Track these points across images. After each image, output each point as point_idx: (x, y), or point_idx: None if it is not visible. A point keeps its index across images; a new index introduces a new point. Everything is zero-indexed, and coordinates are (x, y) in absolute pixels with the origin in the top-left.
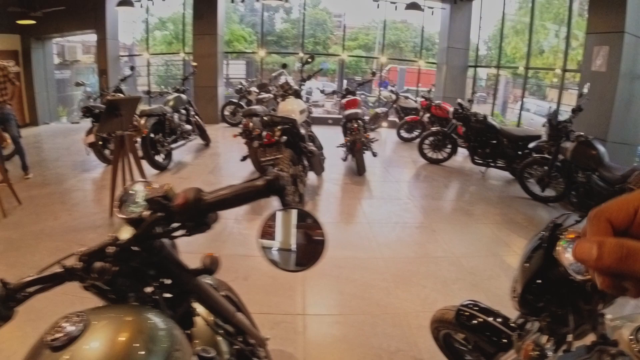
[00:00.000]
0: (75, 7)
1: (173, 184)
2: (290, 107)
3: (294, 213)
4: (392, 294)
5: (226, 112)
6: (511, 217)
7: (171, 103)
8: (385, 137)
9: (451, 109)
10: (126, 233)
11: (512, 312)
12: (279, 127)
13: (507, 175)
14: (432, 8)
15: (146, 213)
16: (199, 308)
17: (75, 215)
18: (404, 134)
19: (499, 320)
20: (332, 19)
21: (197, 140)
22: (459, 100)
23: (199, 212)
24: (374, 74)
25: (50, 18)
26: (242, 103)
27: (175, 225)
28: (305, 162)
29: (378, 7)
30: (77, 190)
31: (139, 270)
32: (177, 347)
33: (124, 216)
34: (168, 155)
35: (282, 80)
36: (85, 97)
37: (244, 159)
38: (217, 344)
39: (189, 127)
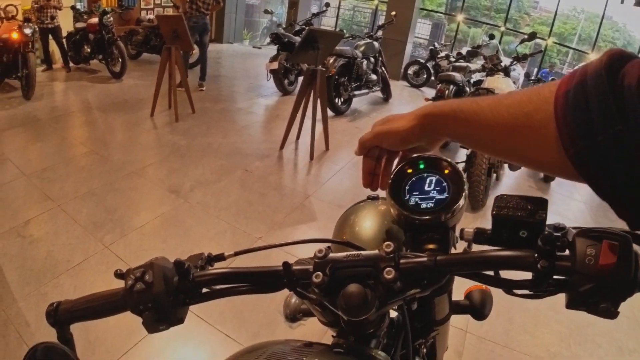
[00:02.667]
0: None
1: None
2: (499, 86)
3: None
4: (564, 342)
5: (409, 71)
6: None
7: (362, 48)
8: None
9: None
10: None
11: None
12: None
13: None
14: None
15: (468, 231)
16: None
17: (244, 139)
18: None
19: None
20: None
21: (377, 93)
22: None
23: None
24: None
25: None
26: (429, 65)
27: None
28: None
29: None
30: (250, 114)
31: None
32: None
33: (420, 217)
34: (347, 101)
35: (490, 52)
36: (275, 25)
37: None
38: None
39: (374, 77)
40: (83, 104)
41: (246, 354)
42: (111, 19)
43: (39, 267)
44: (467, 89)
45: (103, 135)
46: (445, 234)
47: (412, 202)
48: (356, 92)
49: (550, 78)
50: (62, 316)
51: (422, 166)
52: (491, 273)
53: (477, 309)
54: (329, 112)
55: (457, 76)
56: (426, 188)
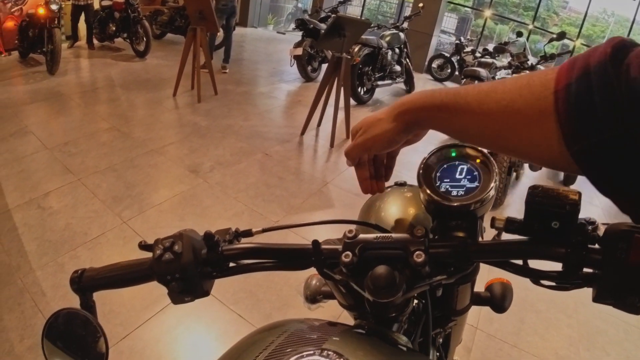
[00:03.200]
0: None
1: None
2: None
3: None
4: (572, 347)
5: (434, 65)
6: None
7: (388, 39)
8: None
9: None
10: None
11: None
12: None
13: None
14: None
15: (499, 219)
16: None
17: (265, 122)
18: None
19: None
20: None
21: (400, 84)
22: None
23: None
24: None
25: None
26: (454, 60)
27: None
28: None
29: None
30: (272, 98)
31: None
32: None
33: (449, 203)
34: (370, 91)
35: (516, 49)
36: (300, 11)
37: None
38: None
39: (398, 68)
40: (106, 81)
41: (267, 331)
42: None
43: (57, 238)
44: None
45: (125, 113)
46: (473, 222)
47: (442, 189)
48: (379, 83)
49: None
50: (86, 283)
51: (453, 154)
52: (520, 262)
53: (497, 301)
54: (351, 101)
55: (483, 72)
56: (457, 176)
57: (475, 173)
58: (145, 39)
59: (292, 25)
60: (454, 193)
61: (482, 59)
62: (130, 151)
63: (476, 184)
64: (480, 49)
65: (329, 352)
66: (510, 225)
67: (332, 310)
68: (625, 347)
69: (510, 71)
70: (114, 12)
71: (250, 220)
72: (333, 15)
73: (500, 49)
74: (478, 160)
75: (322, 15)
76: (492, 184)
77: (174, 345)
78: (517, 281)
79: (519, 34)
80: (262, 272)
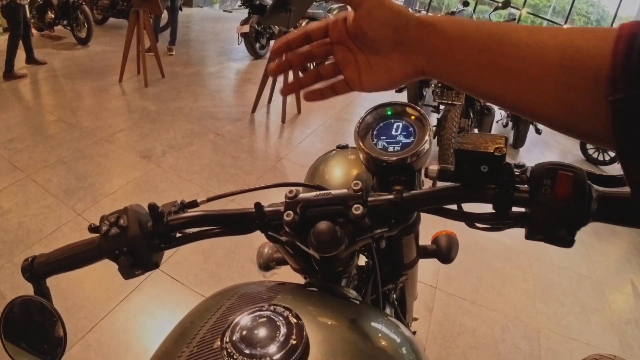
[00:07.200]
0: None
1: None
2: None
3: None
4: (529, 300)
5: None
6: None
7: (335, 12)
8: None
9: None
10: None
11: None
12: None
13: None
14: None
15: (432, 169)
16: None
17: (215, 102)
18: None
19: None
20: None
21: None
22: None
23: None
24: None
25: None
26: None
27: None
28: (472, 118)
29: None
30: (221, 78)
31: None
32: None
33: (387, 158)
34: (320, 64)
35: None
36: None
37: (399, 90)
38: None
39: None
40: (48, 72)
41: (218, 296)
42: None
43: (11, 238)
44: None
45: (70, 103)
46: (411, 175)
47: (379, 146)
48: (329, 57)
49: None
50: (38, 270)
51: (389, 112)
52: (455, 208)
53: (444, 253)
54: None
55: None
56: (393, 133)
57: (411, 129)
58: (86, 25)
59: (238, 3)
60: (391, 149)
61: None
62: (79, 142)
63: (412, 139)
64: None
65: (277, 307)
66: (443, 174)
67: (287, 276)
68: (579, 297)
69: None
70: None
71: None
72: None
73: None
74: (413, 117)
75: None
76: (427, 137)
77: (141, 332)
78: (474, 241)
79: (465, 4)
80: (223, 251)
